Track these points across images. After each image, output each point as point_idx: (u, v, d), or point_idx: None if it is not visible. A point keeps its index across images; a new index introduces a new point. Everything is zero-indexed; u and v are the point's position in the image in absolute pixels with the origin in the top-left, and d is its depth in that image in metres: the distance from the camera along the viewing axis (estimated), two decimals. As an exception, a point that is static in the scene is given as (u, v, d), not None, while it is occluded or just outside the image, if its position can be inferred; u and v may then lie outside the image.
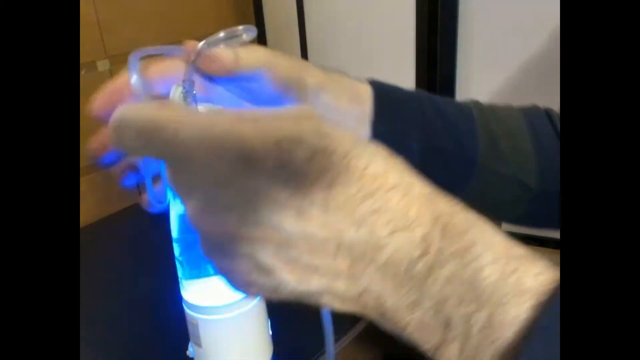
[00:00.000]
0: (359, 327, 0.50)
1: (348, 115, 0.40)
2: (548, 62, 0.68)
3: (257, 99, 0.39)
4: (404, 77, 0.78)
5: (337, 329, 0.50)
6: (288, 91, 0.38)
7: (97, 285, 0.59)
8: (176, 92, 0.35)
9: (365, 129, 0.41)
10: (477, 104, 0.44)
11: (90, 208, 0.75)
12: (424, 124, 0.41)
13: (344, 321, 0.50)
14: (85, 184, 0.74)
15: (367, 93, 0.41)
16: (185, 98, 0.35)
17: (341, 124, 0.31)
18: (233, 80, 0.36)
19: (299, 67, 0.38)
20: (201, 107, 0.36)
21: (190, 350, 0.43)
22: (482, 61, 0.74)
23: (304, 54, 0.88)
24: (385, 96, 0.41)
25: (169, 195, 0.38)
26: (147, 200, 0.41)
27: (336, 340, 0.48)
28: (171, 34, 0.81)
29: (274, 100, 0.38)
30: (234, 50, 0.36)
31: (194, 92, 0.35)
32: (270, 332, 0.43)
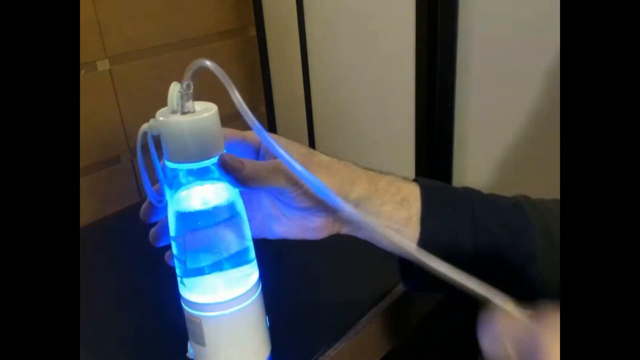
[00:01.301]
0: (359, 326, 0.50)
1: (392, 219, 0.42)
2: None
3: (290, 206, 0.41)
4: (404, 77, 0.79)
5: (337, 328, 0.50)
6: (322, 204, 0.40)
7: (97, 285, 0.59)
8: (174, 91, 0.35)
9: (412, 231, 0.42)
10: (526, 198, 0.44)
11: (90, 208, 0.75)
12: (476, 221, 0.41)
13: (344, 321, 0.50)
14: (85, 184, 0.74)
15: (414, 196, 0.42)
16: (181, 98, 0.35)
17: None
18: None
19: (339, 182, 0.40)
20: (197, 105, 0.36)
21: (190, 352, 0.43)
22: (483, 60, 0.74)
23: (304, 54, 0.88)
24: (434, 195, 0.43)
25: (167, 194, 0.38)
26: (154, 233, 0.41)
27: (337, 339, 0.48)
28: (171, 34, 0.81)
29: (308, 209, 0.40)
30: (261, 166, 0.37)
31: (191, 91, 0.35)
32: (268, 324, 0.43)
